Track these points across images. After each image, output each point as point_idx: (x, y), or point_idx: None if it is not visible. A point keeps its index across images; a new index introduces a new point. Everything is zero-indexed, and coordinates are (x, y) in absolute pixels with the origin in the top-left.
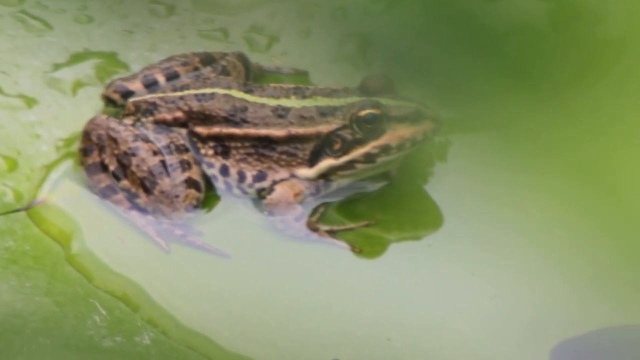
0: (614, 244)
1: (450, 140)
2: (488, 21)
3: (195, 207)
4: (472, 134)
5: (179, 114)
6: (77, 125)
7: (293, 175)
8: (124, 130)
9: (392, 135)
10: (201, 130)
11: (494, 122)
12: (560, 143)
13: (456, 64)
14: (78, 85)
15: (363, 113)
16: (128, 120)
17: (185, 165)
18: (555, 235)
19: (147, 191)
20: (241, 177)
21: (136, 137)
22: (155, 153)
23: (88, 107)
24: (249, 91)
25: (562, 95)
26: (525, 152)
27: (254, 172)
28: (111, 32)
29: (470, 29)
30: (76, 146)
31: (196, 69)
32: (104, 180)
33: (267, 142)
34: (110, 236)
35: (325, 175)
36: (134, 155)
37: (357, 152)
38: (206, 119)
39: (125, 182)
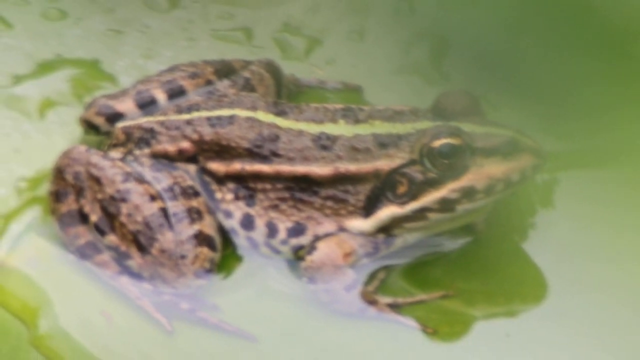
0: None
1: (560, 179)
2: (613, 16)
3: (209, 271)
4: (590, 169)
5: (185, 145)
6: (47, 160)
7: (342, 229)
8: (110, 166)
9: (477, 174)
10: (216, 167)
11: (620, 153)
12: None
13: (567, 73)
14: (47, 104)
15: (438, 144)
16: (116, 153)
17: (194, 215)
18: None
19: (143, 250)
20: (271, 231)
21: (127, 176)
22: (153, 198)
23: (61, 134)
24: (281, 113)
25: None
26: None
27: (289, 224)
28: (92, 31)
29: (588, 26)
30: (45, 189)
31: (209, 82)
32: (83, 235)
33: (307, 183)
34: (92, 312)
35: (387, 229)
36: (124, 200)
37: (430, 198)
38: (223, 151)
39: (112, 238)
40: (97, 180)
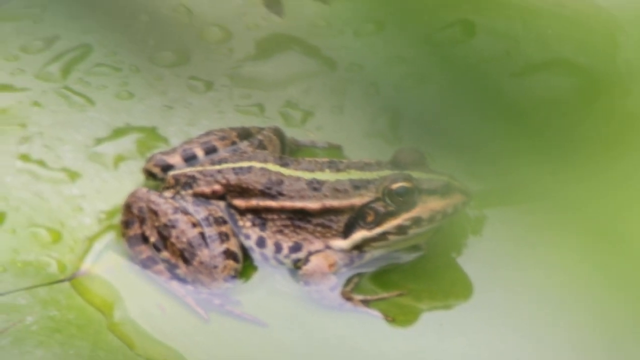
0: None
1: (483, 211)
2: (516, 96)
3: (233, 277)
4: (503, 206)
5: (217, 187)
6: (119, 198)
7: (328, 247)
8: (164, 202)
9: (423, 208)
10: (239, 202)
11: (523, 193)
12: (586, 209)
13: (485, 137)
14: (119, 159)
15: (395, 186)
16: (168, 193)
17: (223, 237)
18: (579, 307)
19: (187, 262)
20: (277, 248)
21: (176, 210)
22: (194, 225)
23: (129, 180)
24: (284, 165)
25: (591, 166)
26: (549, 216)
27: (290, 244)
28: (151, 107)
29: (498, 104)
30: (118, 219)
31: (234, 143)
32: (145, 251)
33: (303, 214)
34: (151, 305)
35: (359, 247)
36: (173, 227)
37: (390, 224)
38: (243, 192)
39: (165, 253)
40: (154, 213)
